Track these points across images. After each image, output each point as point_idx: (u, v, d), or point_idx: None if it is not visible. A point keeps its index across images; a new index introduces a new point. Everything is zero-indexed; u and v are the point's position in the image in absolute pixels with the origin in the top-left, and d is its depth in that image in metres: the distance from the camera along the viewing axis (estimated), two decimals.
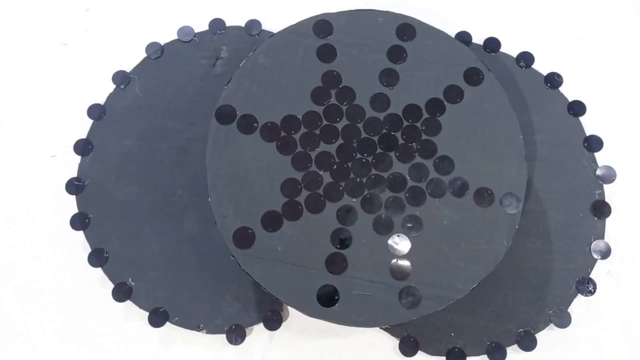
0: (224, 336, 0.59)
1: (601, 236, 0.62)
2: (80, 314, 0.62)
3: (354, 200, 0.57)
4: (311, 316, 0.54)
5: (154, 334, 0.61)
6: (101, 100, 0.66)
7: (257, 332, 0.61)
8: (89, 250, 0.62)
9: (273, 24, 0.69)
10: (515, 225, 0.57)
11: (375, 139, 0.59)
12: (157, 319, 0.60)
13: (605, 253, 0.62)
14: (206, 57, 0.68)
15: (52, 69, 0.69)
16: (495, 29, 0.69)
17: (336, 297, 0.55)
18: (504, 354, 0.59)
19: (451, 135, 0.59)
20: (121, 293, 0.60)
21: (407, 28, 0.62)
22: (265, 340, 0.61)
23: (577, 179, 0.64)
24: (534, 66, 0.68)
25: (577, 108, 0.66)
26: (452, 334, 0.60)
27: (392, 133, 0.59)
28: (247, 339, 0.60)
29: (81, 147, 0.65)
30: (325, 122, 0.59)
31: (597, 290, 0.61)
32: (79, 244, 0.63)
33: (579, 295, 0.61)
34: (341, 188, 0.58)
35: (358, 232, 0.56)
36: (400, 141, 0.59)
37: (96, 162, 0.64)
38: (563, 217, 0.63)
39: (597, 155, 0.64)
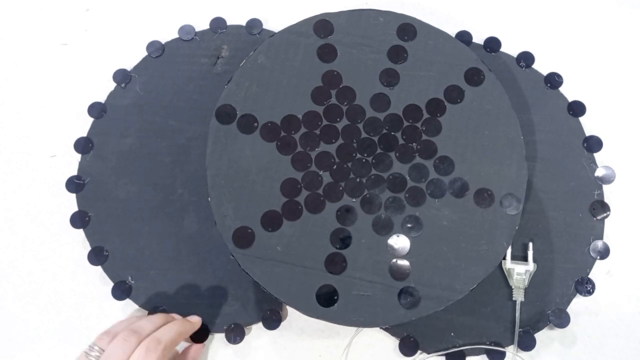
0: (223, 335, 0.60)
1: (600, 236, 0.62)
2: (80, 312, 0.62)
3: (354, 200, 0.57)
4: (311, 316, 0.54)
5: None
6: (102, 98, 0.66)
7: (256, 332, 0.61)
8: (89, 248, 0.62)
9: (274, 23, 0.69)
10: (515, 226, 0.57)
11: (375, 139, 0.59)
12: None
13: (604, 253, 0.62)
14: (207, 56, 0.68)
15: (52, 69, 0.69)
16: (495, 29, 0.69)
17: (335, 297, 0.55)
18: (504, 354, 0.59)
19: (451, 136, 0.59)
20: (121, 291, 0.61)
21: (408, 28, 0.62)
22: (265, 339, 0.61)
23: (576, 179, 0.64)
24: (534, 66, 0.67)
25: (577, 108, 0.66)
26: (452, 334, 0.60)
27: (392, 133, 0.59)
28: (246, 338, 0.60)
29: (81, 145, 0.65)
30: (325, 122, 0.59)
31: (596, 290, 0.61)
32: (79, 242, 0.63)
33: (578, 295, 0.61)
34: (341, 188, 0.58)
35: (358, 232, 0.57)
36: (401, 141, 0.59)
37: (96, 161, 0.64)
38: (562, 217, 0.63)
39: (596, 155, 0.64)
